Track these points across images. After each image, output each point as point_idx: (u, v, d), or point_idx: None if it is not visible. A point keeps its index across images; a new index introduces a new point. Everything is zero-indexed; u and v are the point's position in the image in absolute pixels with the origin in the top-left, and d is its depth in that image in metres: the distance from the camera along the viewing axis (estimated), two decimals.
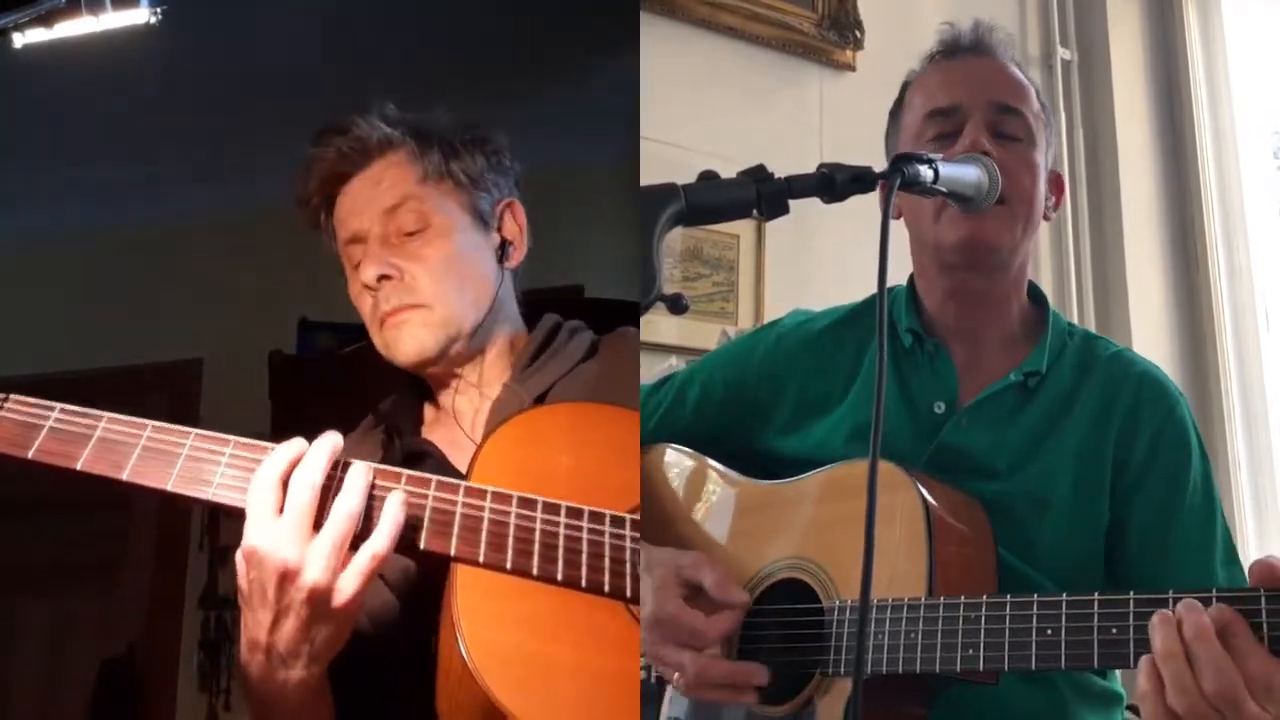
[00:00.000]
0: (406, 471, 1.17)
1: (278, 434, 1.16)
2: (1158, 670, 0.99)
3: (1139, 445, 1.34)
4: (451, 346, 1.39)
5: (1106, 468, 1.33)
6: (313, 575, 1.05)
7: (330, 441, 1.12)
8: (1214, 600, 1.00)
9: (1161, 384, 1.39)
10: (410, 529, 1.13)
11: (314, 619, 1.07)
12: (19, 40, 1.82)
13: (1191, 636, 0.98)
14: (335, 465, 1.13)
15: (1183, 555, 1.32)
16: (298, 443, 1.12)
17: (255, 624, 1.08)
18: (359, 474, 1.12)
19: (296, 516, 1.07)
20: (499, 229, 1.47)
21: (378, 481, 1.14)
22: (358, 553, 1.08)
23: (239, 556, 1.08)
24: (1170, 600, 1.02)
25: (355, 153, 1.41)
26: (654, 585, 1.26)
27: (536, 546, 1.13)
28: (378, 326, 1.39)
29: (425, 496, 1.14)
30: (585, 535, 1.15)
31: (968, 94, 1.38)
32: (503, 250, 1.47)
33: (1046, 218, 1.43)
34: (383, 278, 1.37)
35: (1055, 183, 1.45)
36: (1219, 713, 0.97)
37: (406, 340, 1.37)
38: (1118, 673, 1.39)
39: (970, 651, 1.12)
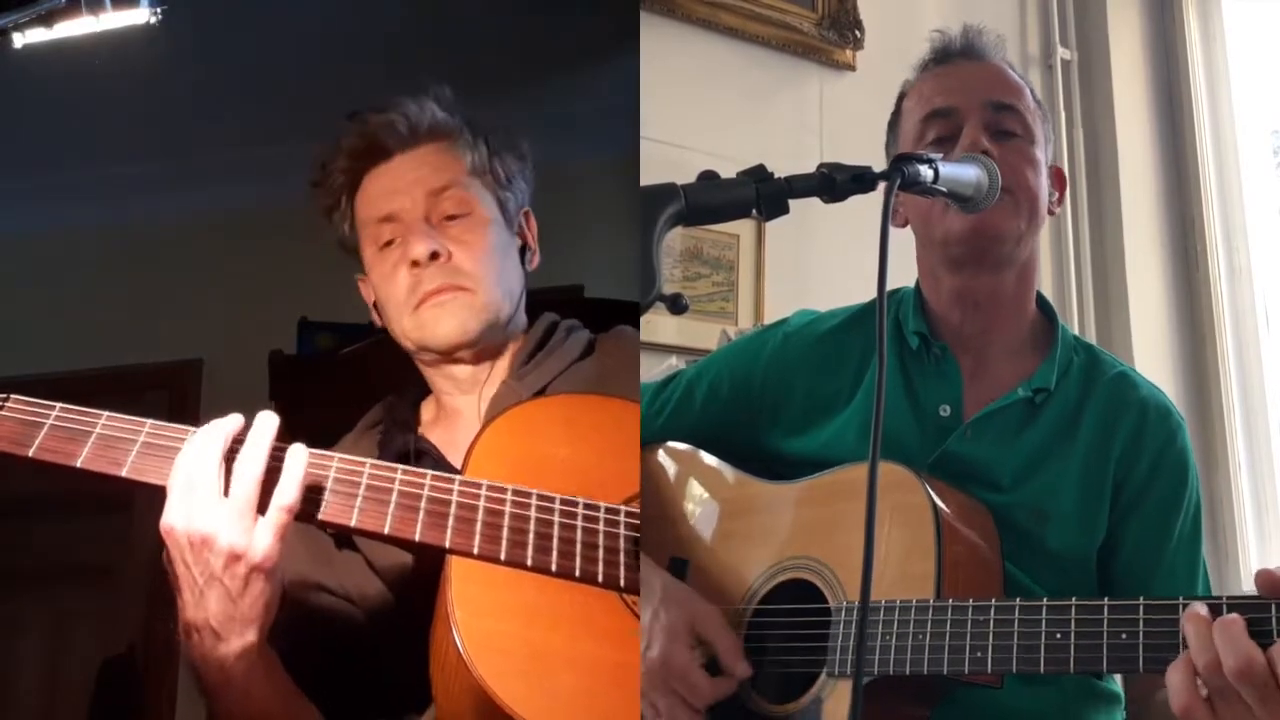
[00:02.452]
0: (402, 466, 1.17)
1: (278, 433, 1.16)
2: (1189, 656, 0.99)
3: (1140, 468, 1.35)
4: (489, 333, 1.39)
5: (1107, 487, 1.34)
6: (227, 537, 1.07)
7: (229, 421, 1.13)
8: (1224, 608, 1.00)
9: (1166, 409, 1.40)
10: (404, 519, 1.13)
11: (236, 582, 1.08)
12: (19, 40, 1.81)
13: (1220, 621, 0.98)
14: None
15: (1169, 582, 1.33)
16: (213, 425, 1.14)
17: (185, 605, 1.11)
18: (257, 439, 1.13)
19: (202, 489, 1.09)
20: (519, 234, 1.49)
21: (371, 472, 1.16)
22: (268, 508, 1.10)
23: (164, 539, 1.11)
24: (1180, 606, 1.02)
25: (403, 130, 1.41)
26: (665, 627, 1.26)
27: (531, 537, 1.14)
28: (414, 305, 1.38)
29: (421, 489, 1.15)
30: (580, 525, 1.15)
31: (963, 96, 1.38)
32: (522, 254, 1.48)
33: (1050, 212, 1.43)
34: (433, 255, 1.36)
35: (1057, 177, 1.45)
36: (1239, 694, 0.97)
37: (448, 320, 1.37)
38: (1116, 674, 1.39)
39: (978, 654, 1.12)
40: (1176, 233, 3.14)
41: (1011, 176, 1.32)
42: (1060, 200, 1.46)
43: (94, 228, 3.61)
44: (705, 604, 1.31)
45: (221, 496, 1.10)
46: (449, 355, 1.41)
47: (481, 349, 1.41)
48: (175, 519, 1.09)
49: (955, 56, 1.44)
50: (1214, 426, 2.98)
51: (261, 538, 1.09)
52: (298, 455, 1.13)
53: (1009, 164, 1.32)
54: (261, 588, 1.10)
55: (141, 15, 1.82)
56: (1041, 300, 1.46)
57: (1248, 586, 1.04)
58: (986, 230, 1.34)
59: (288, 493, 1.11)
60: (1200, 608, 1.01)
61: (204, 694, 1.16)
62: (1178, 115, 3.19)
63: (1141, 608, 1.05)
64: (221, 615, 1.09)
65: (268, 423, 1.14)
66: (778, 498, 1.38)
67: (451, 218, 1.39)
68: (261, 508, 1.11)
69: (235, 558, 1.08)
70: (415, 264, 1.37)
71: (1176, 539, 1.35)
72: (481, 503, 1.15)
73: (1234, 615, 0.99)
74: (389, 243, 1.40)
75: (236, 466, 1.11)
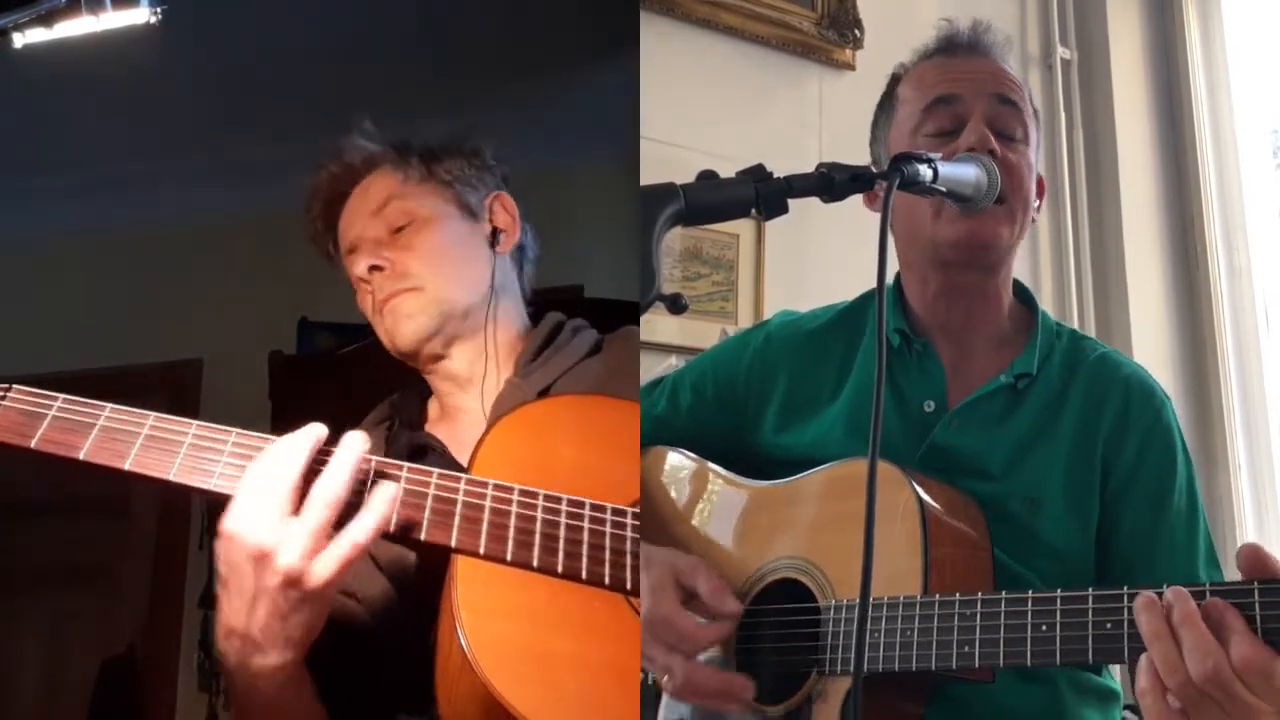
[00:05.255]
0: (409, 464, 1.17)
1: (278, 434, 1.16)
2: (1155, 666, 0.99)
3: (1128, 447, 1.35)
4: (446, 325, 1.42)
5: (1096, 468, 1.34)
6: (286, 558, 1.05)
7: (314, 431, 1.12)
8: (1207, 594, 1.00)
9: (1149, 386, 1.40)
10: (410, 521, 1.13)
11: (288, 603, 1.06)
12: (19, 40, 1.82)
13: (1179, 621, 0.98)
14: (329, 455, 1.12)
15: (1169, 557, 1.33)
16: (300, 433, 1.12)
17: (231, 610, 1.08)
18: (344, 460, 1.11)
19: (274, 501, 1.07)
20: (490, 219, 1.51)
21: (376, 470, 1.14)
22: (337, 538, 1.07)
23: (219, 540, 1.08)
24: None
25: (345, 173, 1.50)
26: (650, 585, 1.26)
27: (537, 538, 1.13)
28: (378, 317, 1.44)
29: (427, 487, 1.14)
30: (586, 527, 1.15)
31: (969, 85, 1.38)
32: (494, 237, 1.50)
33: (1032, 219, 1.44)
34: (373, 268, 1.42)
35: (1039, 183, 1.45)
36: (1210, 697, 0.97)
37: (403, 323, 1.41)
38: (1114, 670, 1.39)
39: (966, 649, 1.12)
40: (1176, 233, 3.14)
41: (1009, 184, 1.32)
42: (1039, 208, 1.46)
43: (94, 228, 3.60)
44: (685, 555, 1.32)
45: (291, 513, 1.07)
46: (421, 355, 1.43)
47: (449, 339, 1.43)
48: (239, 525, 1.06)
49: (962, 49, 1.43)
50: (1214, 426, 2.98)
51: (323, 565, 1.06)
52: (384, 493, 1.10)
53: (1008, 167, 1.32)
54: (310, 612, 1.08)
55: (141, 15, 1.82)
56: (1020, 289, 1.46)
57: None
58: (981, 238, 1.34)
59: (364, 531, 1.08)
60: (1156, 619, 0.99)
61: (232, 697, 1.15)
62: (1178, 115, 3.18)
63: (1125, 596, 1.05)
64: (266, 629, 1.07)
65: (355, 445, 1.11)
66: (765, 498, 1.38)
67: (400, 229, 1.45)
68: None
69: (291, 580, 1.05)
70: (365, 281, 1.44)
71: (1173, 514, 1.35)
72: (488, 502, 1.14)
73: (1191, 614, 0.97)
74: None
75: (316, 487, 1.08)
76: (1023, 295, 1.46)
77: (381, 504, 1.10)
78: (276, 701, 1.12)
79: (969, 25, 1.44)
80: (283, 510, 1.07)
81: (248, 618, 1.07)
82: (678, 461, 1.50)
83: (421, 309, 1.41)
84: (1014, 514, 1.31)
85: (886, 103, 1.47)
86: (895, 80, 1.47)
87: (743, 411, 1.49)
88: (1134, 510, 1.34)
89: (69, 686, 3.49)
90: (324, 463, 1.11)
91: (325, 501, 1.08)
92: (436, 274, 1.43)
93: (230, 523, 1.07)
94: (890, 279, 1.47)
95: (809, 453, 1.38)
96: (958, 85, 1.38)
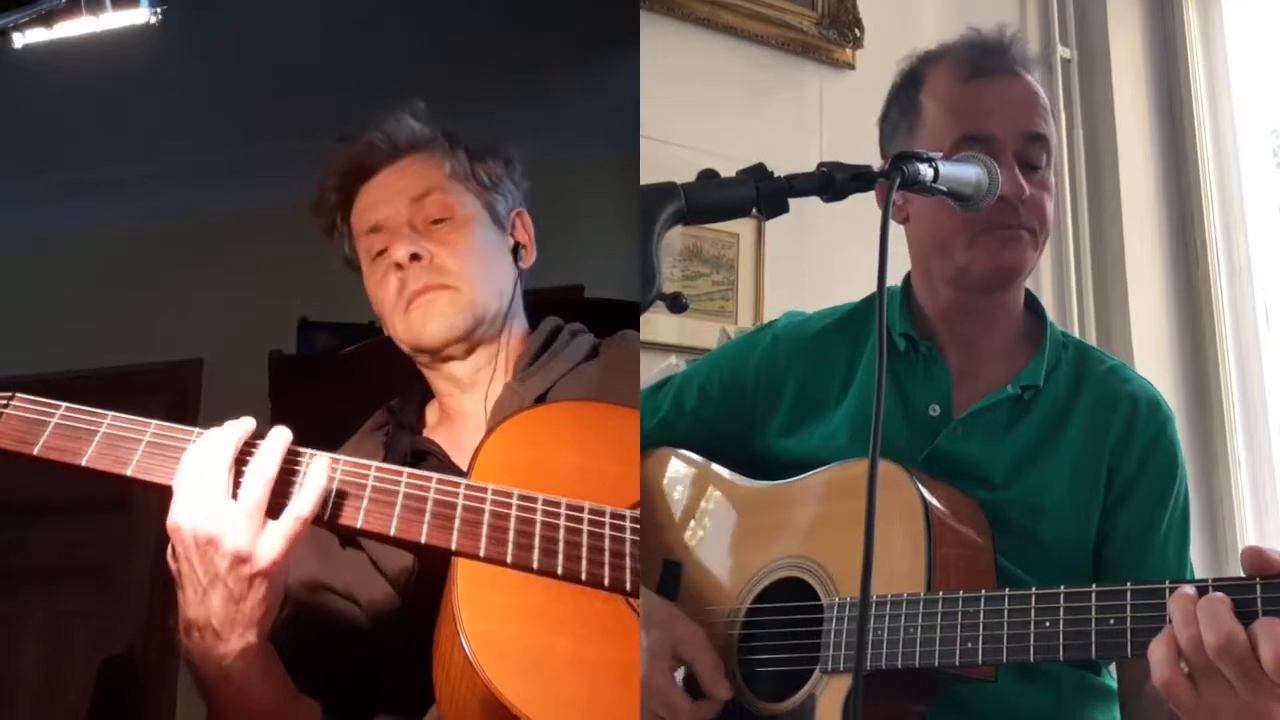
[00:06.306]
0: (408, 469, 1.17)
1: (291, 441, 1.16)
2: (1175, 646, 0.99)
3: (1130, 459, 1.35)
4: (477, 329, 1.41)
5: (1100, 480, 1.35)
6: (234, 541, 1.08)
7: (241, 424, 1.15)
8: (1210, 588, 1.00)
9: (1156, 400, 1.41)
10: (410, 521, 1.14)
11: (240, 584, 1.09)
12: (19, 40, 1.82)
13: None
14: (254, 448, 1.15)
15: (1159, 572, 1.33)
16: (226, 427, 1.15)
17: (186, 602, 1.11)
18: (273, 444, 1.14)
19: (211, 490, 1.10)
20: (512, 233, 1.51)
21: (377, 474, 1.16)
22: (282, 515, 1.11)
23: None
24: (1166, 590, 1.03)
25: (384, 145, 1.46)
26: (648, 648, 1.27)
27: (537, 541, 1.14)
28: (404, 307, 1.40)
29: (427, 491, 1.15)
30: (585, 529, 1.16)
31: (1001, 122, 1.34)
32: (515, 252, 1.50)
33: None
34: (414, 257, 1.39)
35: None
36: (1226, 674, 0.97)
37: (435, 319, 1.39)
38: (1114, 668, 1.39)
39: (969, 645, 1.13)
40: (1176, 231, 3.14)
41: (1035, 215, 1.35)
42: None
43: (94, 228, 3.60)
44: (688, 624, 1.31)
45: (230, 498, 1.10)
46: (441, 354, 1.42)
47: (473, 345, 1.42)
48: (182, 517, 1.10)
49: (988, 70, 1.38)
50: (1214, 425, 2.98)
51: (269, 543, 1.10)
52: (319, 468, 1.14)
53: (1036, 202, 1.35)
54: (264, 591, 1.11)
55: (141, 15, 1.83)
56: (1030, 298, 1.47)
57: None
58: (1012, 271, 1.36)
59: (305, 504, 1.12)
60: (1188, 588, 1.01)
61: (201, 689, 1.17)
62: (1178, 114, 3.18)
63: (1129, 593, 1.05)
64: (223, 616, 1.10)
65: (282, 433, 1.16)
66: (769, 498, 1.38)
67: (437, 221, 1.43)
68: (274, 512, 1.11)
69: (240, 560, 1.09)
70: (399, 266, 1.40)
71: (1165, 529, 1.36)
72: (488, 506, 1.15)
73: (1219, 594, 0.99)
74: (380, 252, 1.44)
75: (248, 470, 1.12)
76: (1031, 303, 1.46)
77: (319, 477, 1.13)
78: (245, 685, 1.14)
79: (997, 37, 1.40)
80: (221, 496, 1.10)
81: (204, 607, 1.10)
82: (681, 463, 1.49)
83: (457, 310, 1.40)
84: (1015, 522, 1.31)
85: (907, 105, 1.41)
86: (914, 79, 1.42)
87: (749, 414, 1.48)
88: (1129, 522, 1.35)
89: (69, 686, 3.48)
90: (251, 454, 1.14)
91: (260, 481, 1.11)
92: (473, 275, 1.41)
93: (174, 516, 1.10)
94: (899, 278, 1.47)
95: (815, 455, 1.38)
96: (990, 122, 1.34)
